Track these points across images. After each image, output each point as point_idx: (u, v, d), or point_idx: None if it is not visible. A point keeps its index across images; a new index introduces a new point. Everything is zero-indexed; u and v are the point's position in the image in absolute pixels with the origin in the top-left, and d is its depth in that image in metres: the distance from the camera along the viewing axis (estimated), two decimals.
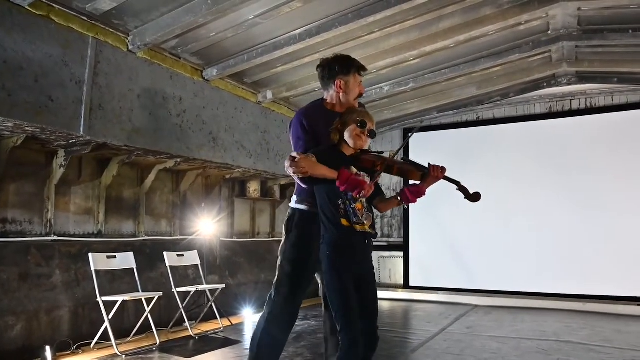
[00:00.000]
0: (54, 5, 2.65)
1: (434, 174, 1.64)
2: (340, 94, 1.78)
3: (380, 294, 5.38)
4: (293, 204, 1.83)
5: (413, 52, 3.71)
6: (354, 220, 1.62)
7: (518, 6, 3.32)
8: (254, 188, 4.76)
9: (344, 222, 1.62)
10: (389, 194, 3.42)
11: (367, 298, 1.68)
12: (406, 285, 5.58)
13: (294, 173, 1.52)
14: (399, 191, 1.71)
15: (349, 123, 1.66)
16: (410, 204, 1.70)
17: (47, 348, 2.75)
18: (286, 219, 1.84)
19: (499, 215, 5.14)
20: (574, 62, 4.29)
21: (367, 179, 1.61)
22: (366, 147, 1.69)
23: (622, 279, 4.53)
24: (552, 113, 5.18)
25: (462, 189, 1.68)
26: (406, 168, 1.69)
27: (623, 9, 3.33)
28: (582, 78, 4.61)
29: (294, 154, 1.53)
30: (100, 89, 2.88)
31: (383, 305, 5.06)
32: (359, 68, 1.80)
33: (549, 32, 3.78)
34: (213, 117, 3.74)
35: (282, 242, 1.83)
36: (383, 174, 1.62)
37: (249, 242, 4.85)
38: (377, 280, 6.78)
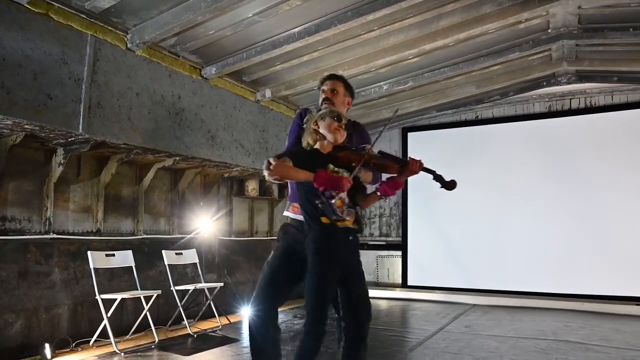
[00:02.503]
0: (53, 3, 2.65)
1: (412, 168, 1.67)
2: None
3: (379, 292, 5.40)
4: (285, 210, 1.89)
5: (412, 50, 3.71)
6: (334, 217, 1.63)
7: (518, 4, 3.32)
8: (252, 187, 4.76)
9: (324, 219, 1.64)
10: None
11: (355, 294, 1.69)
12: (404, 285, 5.58)
13: (269, 177, 1.58)
14: (377, 185, 1.74)
15: (326, 120, 1.70)
16: (390, 197, 1.76)
17: (46, 345, 2.76)
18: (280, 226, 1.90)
19: (497, 214, 5.14)
20: (574, 60, 4.28)
21: (346, 174, 1.63)
22: (343, 140, 1.73)
23: (621, 279, 4.54)
24: (552, 112, 5.17)
25: (437, 177, 1.71)
26: (383, 162, 1.72)
27: (624, 7, 3.32)
28: (582, 77, 4.60)
29: (270, 159, 1.57)
30: (99, 87, 2.88)
31: (381, 304, 5.07)
32: (321, 83, 1.93)
33: (549, 30, 3.78)
34: (211, 115, 3.74)
35: (274, 249, 1.87)
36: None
37: (247, 241, 4.85)
38: (375, 280, 6.72)
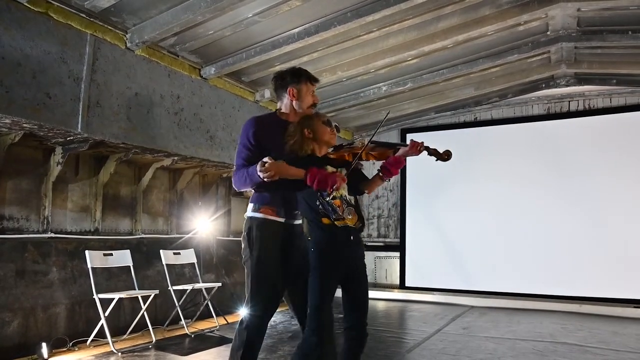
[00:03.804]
0: (53, 2, 2.65)
1: (412, 149, 1.70)
2: (294, 102, 1.83)
3: (376, 294, 5.40)
4: (249, 212, 1.76)
5: (411, 52, 3.72)
6: (334, 217, 1.65)
7: (517, 6, 3.32)
8: None
9: (324, 221, 1.65)
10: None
11: (356, 295, 1.71)
12: (402, 286, 5.58)
13: (263, 176, 1.55)
14: (379, 168, 1.75)
15: (318, 127, 1.72)
16: (392, 178, 1.76)
17: (43, 345, 2.76)
18: (245, 231, 1.75)
19: (496, 216, 5.15)
20: (572, 63, 4.29)
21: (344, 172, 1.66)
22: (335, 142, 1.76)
23: (619, 281, 4.54)
24: (550, 114, 5.18)
25: (433, 152, 1.74)
26: (378, 151, 1.74)
27: (623, 10, 3.33)
28: (581, 79, 4.61)
29: (265, 159, 1.56)
30: (98, 86, 2.88)
31: (379, 305, 5.07)
32: (310, 78, 1.86)
33: (548, 32, 3.79)
34: (210, 115, 3.74)
35: (247, 255, 1.73)
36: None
37: None
38: (373, 281, 6.71)
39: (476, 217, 5.20)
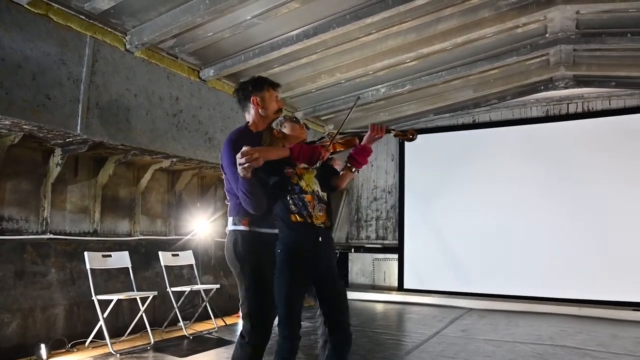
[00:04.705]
0: (53, 4, 2.66)
1: (373, 133, 1.71)
2: (259, 110, 1.84)
3: (375, 296, 5.39)
4: (231, 226, 1.74)
5: (410, 54, 3.72)
6: (305, 213, 1.63)
7: (516, 9, 3.33)
8: None
9: (293, 218, 1.63)
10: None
11: (332, 296, 1.67)
12: (400, 288, 5.56)
13: (247, 165, 1.46)
14: (347, 159, 1.76)
15: (287, 124, 1.75)
16: (362, 168, 1.77)
17: (42, 346, 2.76)
18: (230, 244, 1.72)
19: (494, 218, 5.14)
20: (571, 65, 4.30)
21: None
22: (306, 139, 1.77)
23: (619, 284, 4.53)
24: (549, 117, 5.18)
25: (397, 134, 1.78)
26: (344, 139, 1.76)
27: (622, 13, 3.33)
28: (580, 82, 4.62)
29: (244, 148, 1.47)
30: (97, 88, 2.89)
31: (377, 307, 5.06)
32: (271, 84, 1.88)
33: (547, 35, 3.80)
34: (209, 117, 3.74)
35: (238, 270, 1.72)
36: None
37: None
38: (372, 283, 6.66)
39: (475, 219, 5.19)
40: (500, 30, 3.56)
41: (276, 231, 1.72)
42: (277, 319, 1.65)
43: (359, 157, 1.72)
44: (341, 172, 1.78)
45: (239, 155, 1.47)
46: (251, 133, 1.82)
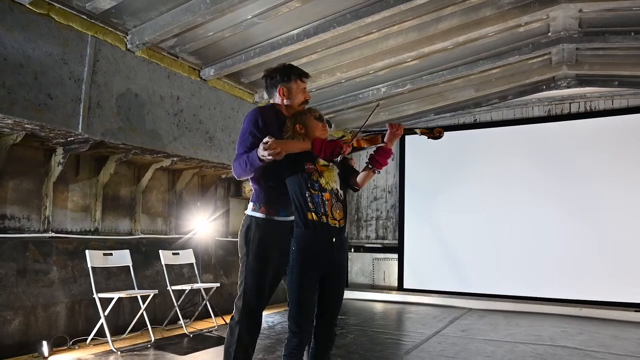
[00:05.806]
0: (54, 3, 2.68)
1: (392, 130, 1.72)
2: (285, 101, 1.83)
3: (374, 295, 5.40)
4: (249, 211, 1.79)
5: (411, 53, 3.71)
6: (322, 211, 1.64)
7: (518, 7, 3.32)
8: (249, 188, 4.76)
9: (310, 216, 1.64)
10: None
11: (330, 297, 1.70)
12: (400, 288, 5.56)
13: (268, 155, 1.54)
14: (367, 160, 1.77)
15: (309, 122, 1.74)
16: (382, 168, 1.78)
17: (44, 343, 2.78)
18: (244, 228, 1.77)
19: (495, 218, 5.13)
20: (574, 64, 4.27)
21: (336, 168, 1.69)
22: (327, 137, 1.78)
23: (620, 285, 4.51)
24: (551, 116, 5.15)
25: (423, 132, 1.78)
26: (369, 137, 1.77)
27: (625, 11, 3.31)
28: (582, 81, 4.59)
29: (266, 139, 1.54)
30: (98, 87, 2.90)
31: (377, 306, 5.06)
32: (300, 75, 1.85)
33: (549, 34, 3.77)
34: (210, 116, 3.75)
35: (243, 252, 1.76)
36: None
37: None
38: (371, 282, 6.66)
39: (476, 219, 5.18)
40: (502, 29, 3.54)
41: (291, 218, 1.74)
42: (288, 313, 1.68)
43: (380, 159, 1.73)
44: (362, 172, 1.78)
45: (261, 146, 1.54)
46: (277, 111, 1.83)
